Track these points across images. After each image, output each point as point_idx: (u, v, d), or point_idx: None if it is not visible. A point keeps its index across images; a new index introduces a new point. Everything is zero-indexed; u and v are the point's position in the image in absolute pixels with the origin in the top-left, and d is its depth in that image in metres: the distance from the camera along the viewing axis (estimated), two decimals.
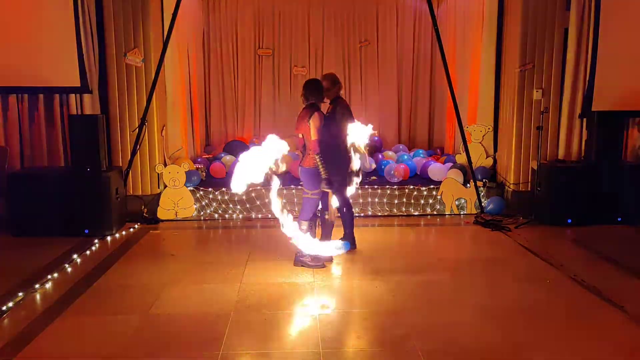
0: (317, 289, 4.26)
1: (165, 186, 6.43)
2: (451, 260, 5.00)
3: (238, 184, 4.24)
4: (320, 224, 5.04)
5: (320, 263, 4.74)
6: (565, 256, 5.03)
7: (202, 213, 6.63)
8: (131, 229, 6.02)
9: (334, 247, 4.67)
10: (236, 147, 8.60)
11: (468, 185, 6.70)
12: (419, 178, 7.42)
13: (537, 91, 6.56)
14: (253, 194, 6.66)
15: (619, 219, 6.21)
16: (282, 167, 4.48)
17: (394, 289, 4.23)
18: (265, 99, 9.50)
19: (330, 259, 4.86)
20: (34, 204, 5.67)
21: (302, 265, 4.72)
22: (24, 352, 3.25)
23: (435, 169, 7.22)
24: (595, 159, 6.28)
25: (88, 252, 5.19)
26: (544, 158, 6.57)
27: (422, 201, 6.80)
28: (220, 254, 5.20)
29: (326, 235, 4.92)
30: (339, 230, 5.13)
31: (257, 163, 4.26)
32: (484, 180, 6.91)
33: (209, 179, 7.32)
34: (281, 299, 4.07)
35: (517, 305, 3.96)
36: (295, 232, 4.53)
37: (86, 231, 5.69)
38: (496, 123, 7.21)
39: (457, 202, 6.70)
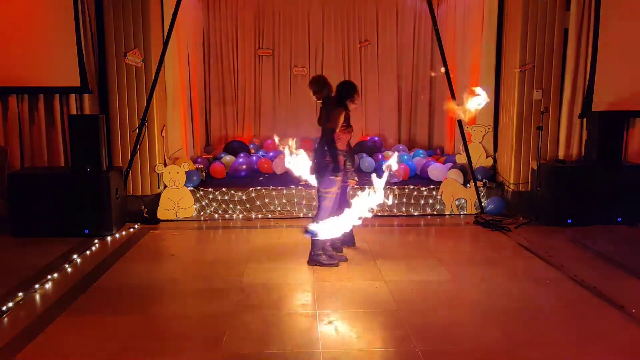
0: (317, 288, 4.26)
1: (165, 186, 6.43)
2: (451, 260, 5.00)
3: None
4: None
5: (335, 262, 4.77)
6: (565, 256, 5.03)
7: (202, 213, 6.63)
8: (131, 229, 6.02)
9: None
10: (236, 147, 8.62)
11: (468, 185, 6.70)
12: (419, 178, 7.42)
13: (537, 91, 6.56)
14: (253, 194, 6.66)
15: (619, 219, 6.21)
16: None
17: (394, 289, 4.23)
18: (265, 99, 9.49)
19: (345, 259, 4.90)
20: (34, 204, 5.67)
21: (315, 264, 4.75)
22: (24, 352, 3.25)
23: (435, 169, 7.22)
24: (596, 159, 6.28)
25: (88, 252, 5.19)
26: (544, 158, 6.57)
27: (422, 201, 6.80)
28: (220, 254, 5.20)
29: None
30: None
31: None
32: (484, 180, 6.92)
33: (209, 179, 7.33)
34: (281, 299, 4.07)
35: (517, 305, 3.96)
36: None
37: (86, 231, 5.69)
38: (496, 123, 7.21)
39: (457, 202, 6.71)
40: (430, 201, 6.80)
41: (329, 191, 4.64)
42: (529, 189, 6.68)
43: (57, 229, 5.67)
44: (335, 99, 4.71)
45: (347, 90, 4.67)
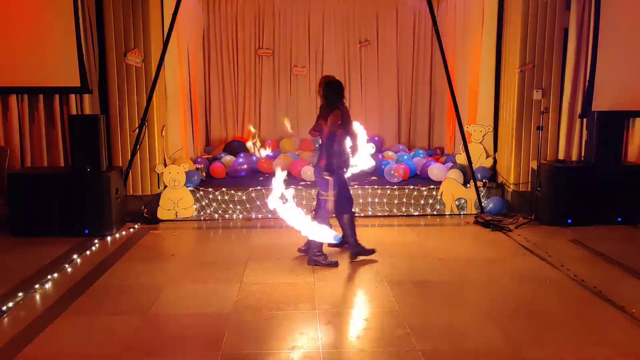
0: (317, 288, 4.26)
1: (165, 186, 6.43)
2: (451, 260, 4.99)
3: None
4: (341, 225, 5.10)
5: (334, 262, 4.77)
6: (565, 256, 5.03)
7: (202, 213, 6.63)
8: (131, 229, 6.02)
9: (330, 235, 4.72)
10: (236, 147, 8.62)
11: (468, 185, 6.70)
12: (419, 178, 7.42)
13: (537, 91, 6.56)
14: (253, 194, 6.66)
15: (619, 219, 6.21)
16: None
17: (394, 289, 4.23)
18: (265, 99, 9.49)
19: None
20: (34, 204, 5.66)
21: (315, 264, 4.74)
22: (24, 352, 3.25)
23: (435, 169, 7.22)
24: (595, 159, 6.28)
25: (88, 252, 5.19)
26: (544, 158, 6.57)
27: (422, 201, 6.80)
28: (220, 254, 5.20)
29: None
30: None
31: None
32: (484, 180, 6.91)
33: (209, 179, 7.33)
34: (281, 299, 4.07)
35: (517, 305, 3.96)
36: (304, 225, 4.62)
37: (86, 231, 5.69)
38: (496, 123, 7.21)
39: (457, 202, 6.70)
40: (430, 201, 6.80)
41: (326, 193, 4.66)
42: (529, 189, 6.68)
43: (57, 229, 5.66)
44: (329, 101, 4.69)
45: (340, 91, 4.70)
